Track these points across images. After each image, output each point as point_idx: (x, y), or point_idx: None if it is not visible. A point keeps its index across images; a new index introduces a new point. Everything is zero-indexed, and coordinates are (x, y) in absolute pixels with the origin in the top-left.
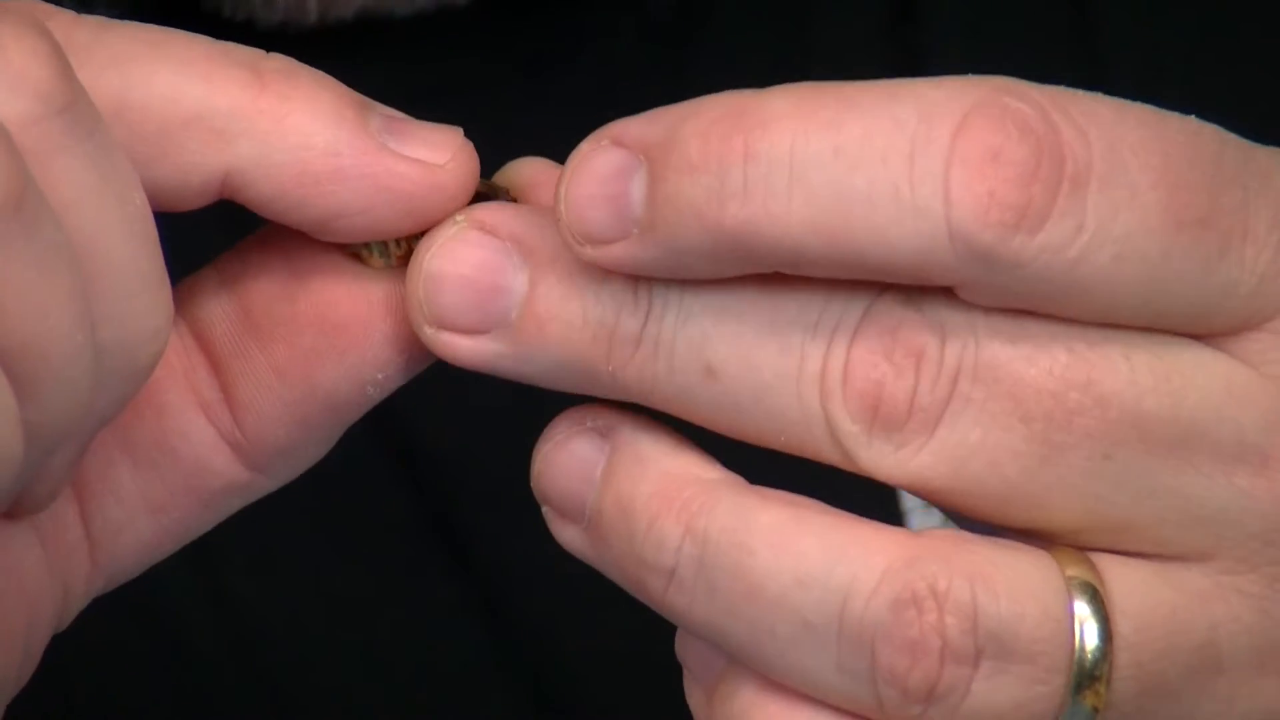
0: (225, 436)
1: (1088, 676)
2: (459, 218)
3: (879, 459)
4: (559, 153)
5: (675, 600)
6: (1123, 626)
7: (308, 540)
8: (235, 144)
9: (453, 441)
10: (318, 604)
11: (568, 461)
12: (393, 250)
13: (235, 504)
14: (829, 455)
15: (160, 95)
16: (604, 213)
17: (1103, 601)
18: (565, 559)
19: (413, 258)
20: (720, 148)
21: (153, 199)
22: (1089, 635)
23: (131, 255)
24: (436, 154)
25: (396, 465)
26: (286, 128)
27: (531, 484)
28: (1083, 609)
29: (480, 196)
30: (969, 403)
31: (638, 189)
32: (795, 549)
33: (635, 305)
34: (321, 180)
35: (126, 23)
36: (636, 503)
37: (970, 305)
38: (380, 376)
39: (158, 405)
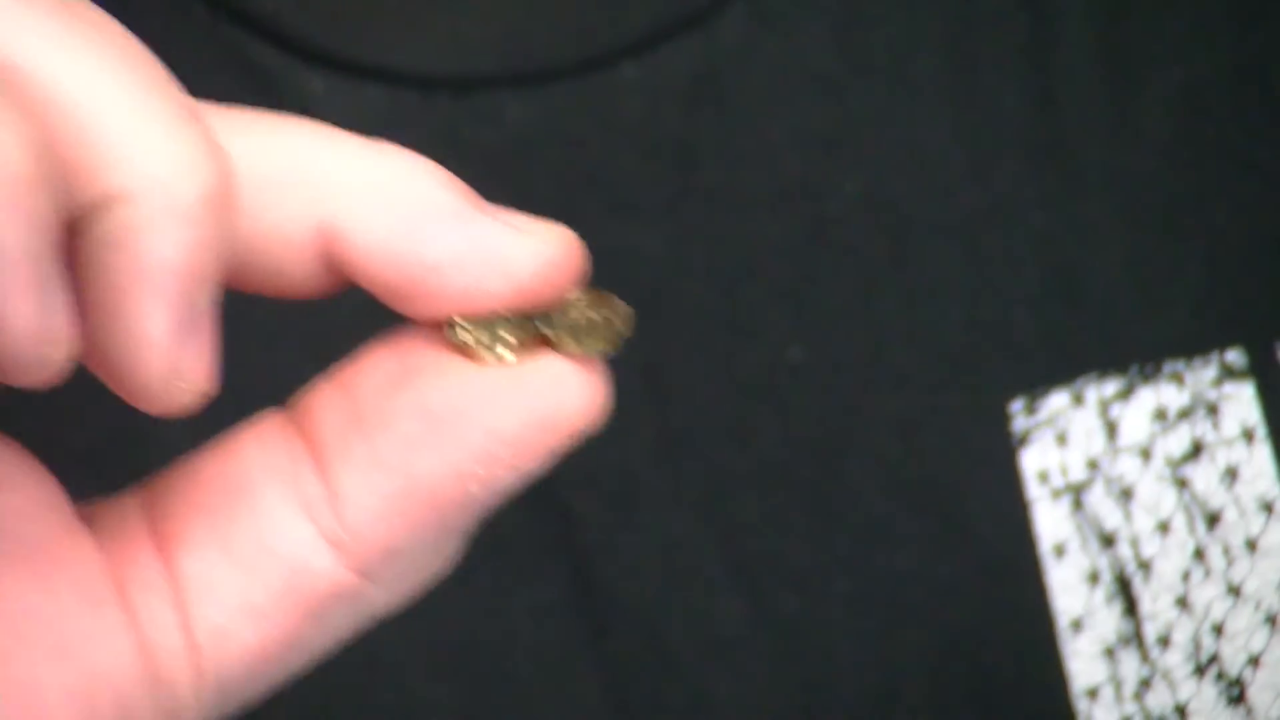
0: (326, 534)
1: None
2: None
3: None
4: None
5: None
6: None
7: None
8: (336, 193)
9: None
10: None
11: None
12: (500, 340)
13: (346, 618)
14: None
15: (273, 147)
16: None
17: None
18: (670, 545)
19: None
20: None
21: (260, 266)
22: None
23: None
24: (538, 226)
25: None
26: (389, 179)
27: None
28: None
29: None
30: None
31: None
32: None
33: None
34: (416, 229)
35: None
36: None
37: None
38: (481, 472)
39: (256, 506)
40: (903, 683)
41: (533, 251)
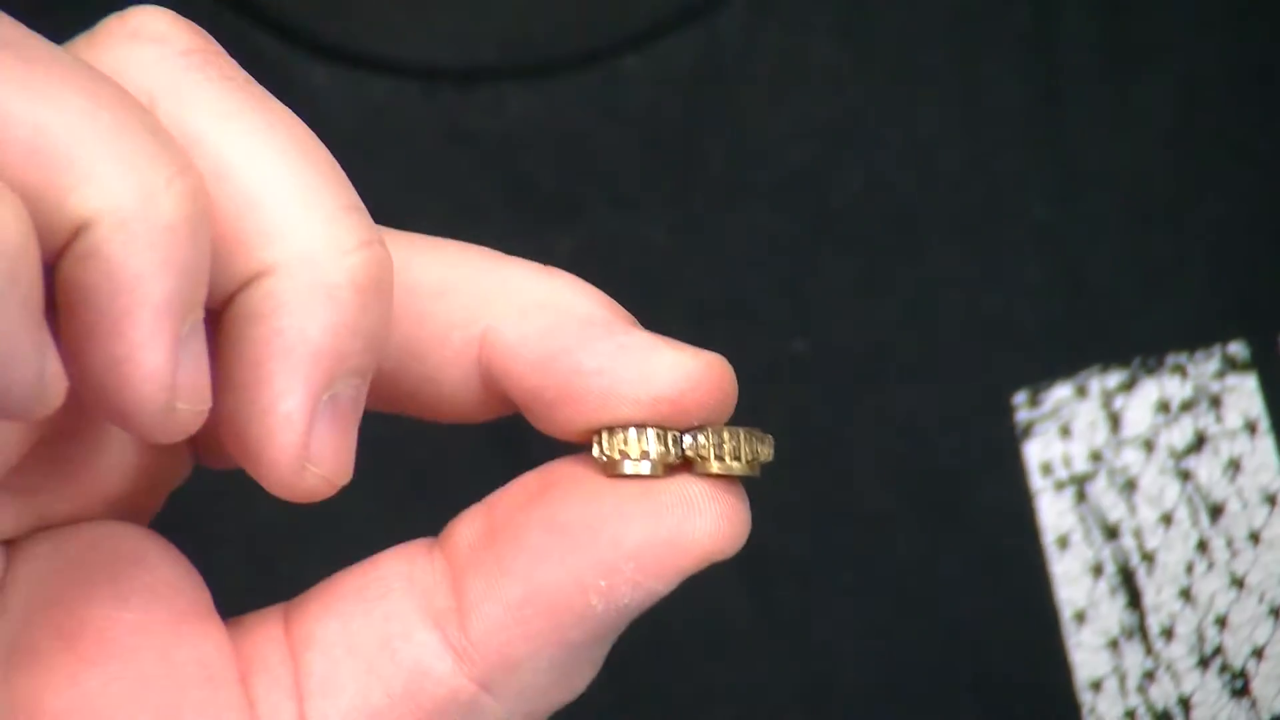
0: (449, 642)
1: None
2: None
3: None
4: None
5: None
6: None
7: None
8: (495, 301)
9: None
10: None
11: None
12: (642, 455)
13: None
14: None
15: (438, 259)
16: None
17: None
18: None
19: None
20: None
21: (418, 374)
22: None
23: None
24: (689, 346)
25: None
26: (547, 292)
27: None
28: None
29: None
30: None
31: None
32: None
33: None
34: (569, 335)
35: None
36: None
37: None
38: (603, 584)
39: (386, 613)
40: (906, 675)
41: (677, 363)
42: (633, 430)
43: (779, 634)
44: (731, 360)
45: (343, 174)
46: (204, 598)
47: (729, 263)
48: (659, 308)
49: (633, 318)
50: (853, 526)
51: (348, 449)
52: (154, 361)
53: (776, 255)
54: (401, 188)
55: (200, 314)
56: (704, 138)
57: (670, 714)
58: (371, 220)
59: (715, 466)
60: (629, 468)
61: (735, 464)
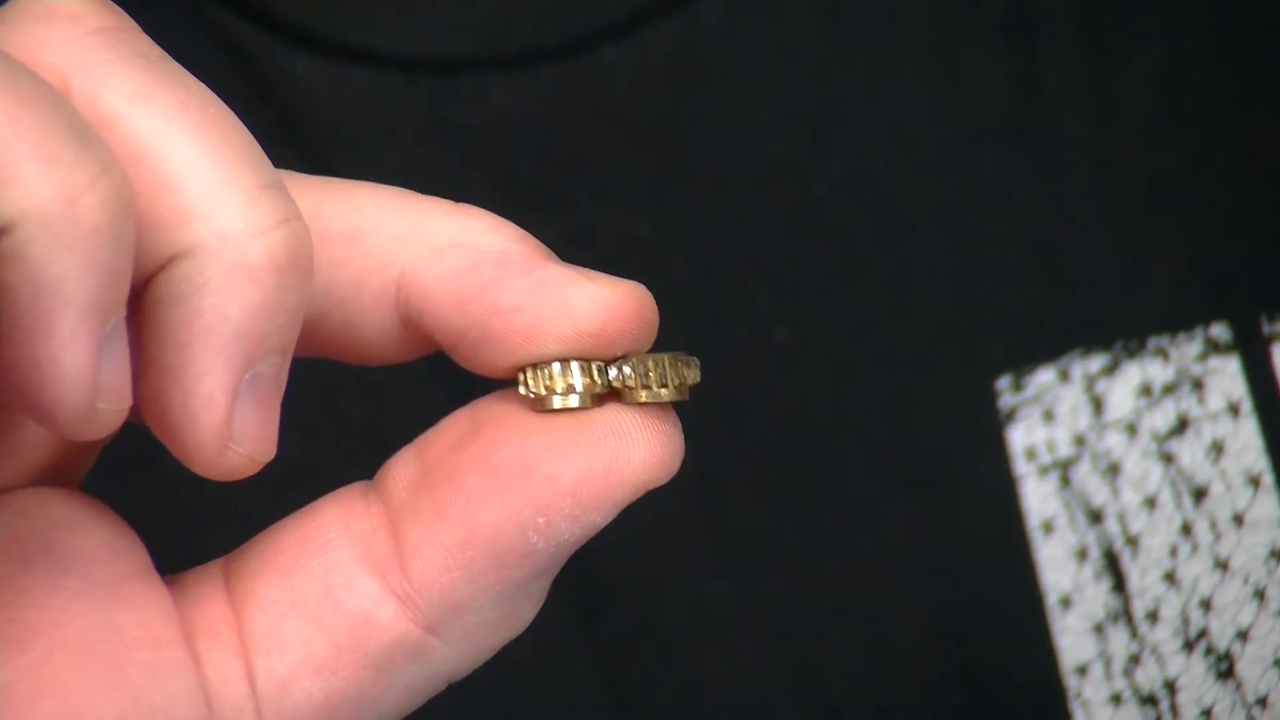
0: (392, 589)
1: None
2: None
3: None
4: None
5: None
6: None
7: None
8: (412, 243)
9: None
10: None
11: None
12: (569, 388)
13: (414, 676)
14: None
15: (353, 205)
16: None
17: None
18: (659, 527)
19: None
20: None
21: (339, 320)
22: None
23: None
24: (608, 276)
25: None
26: (461, 231)
27: None
28: None
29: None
30: None
31: None
32: None
33: None
34: (487, 273)
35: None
36: None
37: None
38: (541, 521)
39: (326, 563)
40: (892, 661)
41: (596, 295)
42: (557, 365)
43: (765, 622)
44: (715, 350)
45: (260, 151)
46: (142, 559)
47: (711, 252)
48: None
49: (548, 250)
50: (837, 514)
51: (270, 427)
52: (76, 364)
53: (758, 244)
54: (382, 178)
55: (123, 313)
56: (685, 127)
57: (657, 702)
58: (290, 197)
59: (644, 395)
60: (557, 402)
61: (664, 391)
